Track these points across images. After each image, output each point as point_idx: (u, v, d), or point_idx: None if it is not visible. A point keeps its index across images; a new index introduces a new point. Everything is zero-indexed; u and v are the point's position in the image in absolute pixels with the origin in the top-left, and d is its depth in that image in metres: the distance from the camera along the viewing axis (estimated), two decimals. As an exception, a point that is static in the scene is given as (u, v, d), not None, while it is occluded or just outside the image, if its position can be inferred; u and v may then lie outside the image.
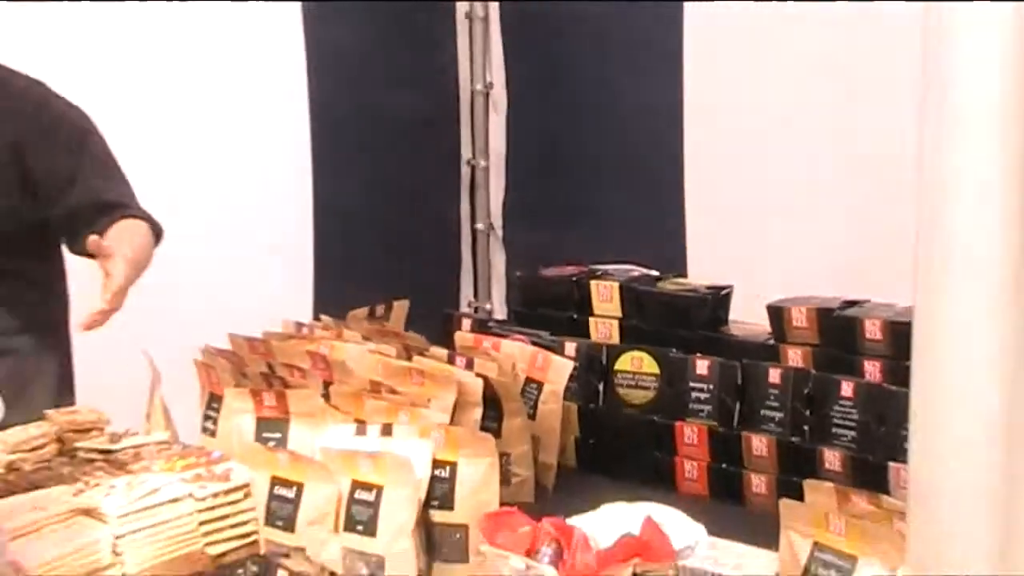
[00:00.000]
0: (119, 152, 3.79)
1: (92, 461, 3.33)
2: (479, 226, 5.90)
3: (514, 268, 5.70)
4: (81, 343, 3.94)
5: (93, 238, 3.28)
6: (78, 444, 3.41)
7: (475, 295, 5.95)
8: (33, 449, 3.35)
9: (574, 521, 2.52)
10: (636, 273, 3.87)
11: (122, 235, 3.50)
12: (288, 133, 5.39)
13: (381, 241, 5.54)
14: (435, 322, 4.17)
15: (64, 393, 3.79)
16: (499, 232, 5.91)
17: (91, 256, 3.42)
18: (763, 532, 2.81)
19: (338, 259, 5.47)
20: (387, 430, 3.02)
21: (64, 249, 3.84)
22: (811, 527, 2.48)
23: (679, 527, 2.51)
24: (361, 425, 3.08)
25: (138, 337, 3.59)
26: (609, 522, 2.54)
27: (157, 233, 3.67)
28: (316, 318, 4.18)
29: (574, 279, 3.86)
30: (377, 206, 5.56)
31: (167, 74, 5.00)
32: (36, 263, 3.76)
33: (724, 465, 3.42)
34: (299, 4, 5.31)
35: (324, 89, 5.41)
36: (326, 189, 5.46)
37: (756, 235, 4.97)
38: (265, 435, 3.27)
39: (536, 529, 2.43)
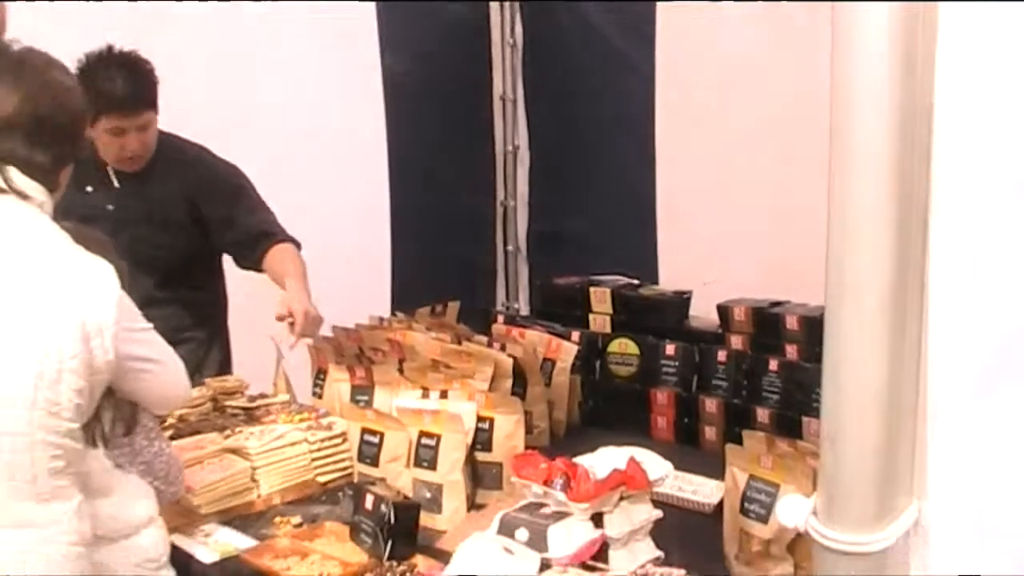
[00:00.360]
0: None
1: (236, 415, 3.39)
2: (510, 248, 5.89)
3: (535, 278, 5.73)
4: (234, 333, 3.97)
5: (280, 311, 3.36)
6: (226, 403, 3.45)
7: (507, 297, 5.94)
8: (196, 406, 3.39)
9: (579, 460, 2.52)
10: (623, 282, 3.89)
11: (284, 259, 3.61)
12: (371, 182, 5.37)
13: (440, 257, 5.53)
14: (477, 317, 4.17)
15: (225, 369, 3.81)
16: (524, 252, 5.90)
17: (257, 270, 3.64)
18: (713, 468, 2.88)
19: (409, 271, 5.46)
20: (444, 395, 3.04)
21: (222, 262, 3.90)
22: (748, 464, 2.48)
23: (654, 464, 2.52)
24: (425, 391, 3.10)
25: (267, 327, 3.61)
26: (604, 461, 2.54)
27: (297, 247, 3.71)
28: (393, 314, 4.18)
29: (578, 286, 3.88)
30: (436, 232, 5.55)
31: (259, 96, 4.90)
32: (206, 277, 3.83)
33: (686, 420, 3.45)
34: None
35: (401, 156, 5.41)
36: (400, 220, 5.46)
37: (710, 250, 4.96)
38: (357, 398, 3.29)
39: (551, 466, 2.44)
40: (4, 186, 2.15)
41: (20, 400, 2.05)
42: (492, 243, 5.92)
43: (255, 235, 3.67)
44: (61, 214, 3.32)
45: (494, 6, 5.65)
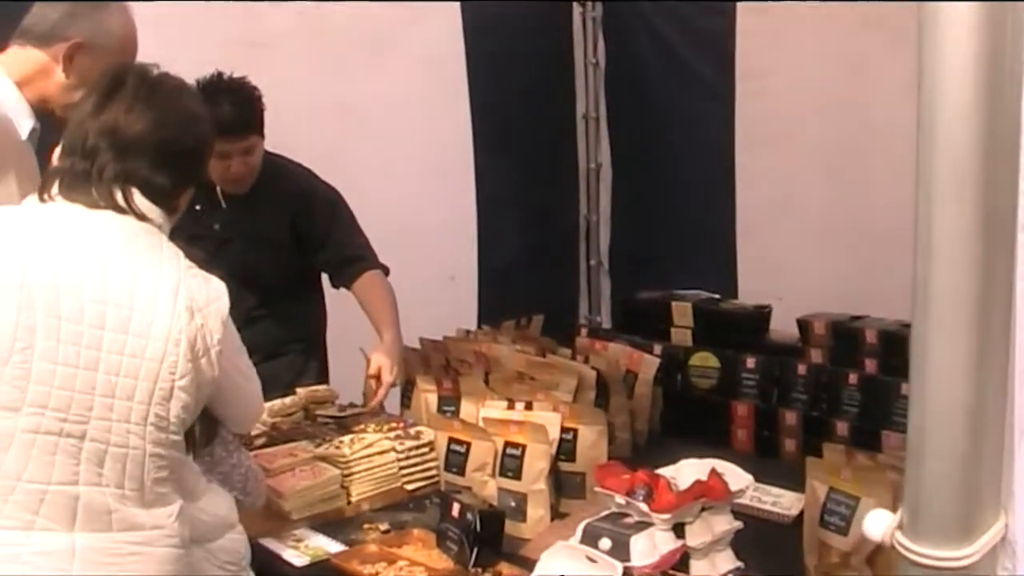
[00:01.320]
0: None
1: (326, 424, 3.40)
2: (592, 262, 5.88)
3: (616, 292, 5.74)
4: (331, 345, 3.99)
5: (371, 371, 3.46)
6: (317, 412, 3.47)
7: (589, 311, 5.92)
8: (288, 415, 3.43)
9: (660, 471, 2.48)
10: (704, 296, 3.83)
11: (374, 293, 3.63)
12: (460, 198, 5.40)
13: (524, 272, 5.52)
14: (560, 330, 4.13)
15: (322, 381, 3.80)
16: (606, 267, 5.89)
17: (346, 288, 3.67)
18: (792, 480, 2.84)
19: (496, 286, 5.47)
20: (529, 406, 3.01)
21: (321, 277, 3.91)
22: (828, 476, 2.43)
23: (735, 476, 2.46)
24: (511, 402, 3.06)
25: (360, 340, 3.62)
26: (685, 472, 2.49)
27: (385, 272, 3.72)
28: (479, 327, 4.17)
29: (660, 300, 3.83)
30: (521, 248, 5.55)
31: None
32: (305, 292, 3.84)
33: (765, 432, 3.37)
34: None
35: (488, 173, 5.44)
36: (487, 236, 5.48)
37: (787, 266, 4.92)
38: (443, 408, 3.27)
39: (634, 476, 2.40)
40: (124, 205, 2.16)
41: (135, 415, 2.08)
42: (575, 258, 5.91)
43: (347, 257, 3.69)
44: (172, 231, 3.39)
45: (577, 27, 5.65)
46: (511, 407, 3.03)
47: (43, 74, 2.69)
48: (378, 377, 3.42)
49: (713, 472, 2.40)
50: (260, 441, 3.25)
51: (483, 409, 3.03)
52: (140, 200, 2.18)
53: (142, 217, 2.18)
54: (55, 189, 2.18)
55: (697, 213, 5.35)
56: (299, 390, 3.53)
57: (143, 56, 4.11)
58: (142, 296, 2.10)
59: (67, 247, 2.10)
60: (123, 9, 2.78)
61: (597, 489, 2.44)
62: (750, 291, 4.80)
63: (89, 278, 2.08)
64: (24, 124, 2.68)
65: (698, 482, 2.36)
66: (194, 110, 2.33)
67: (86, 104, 2.24)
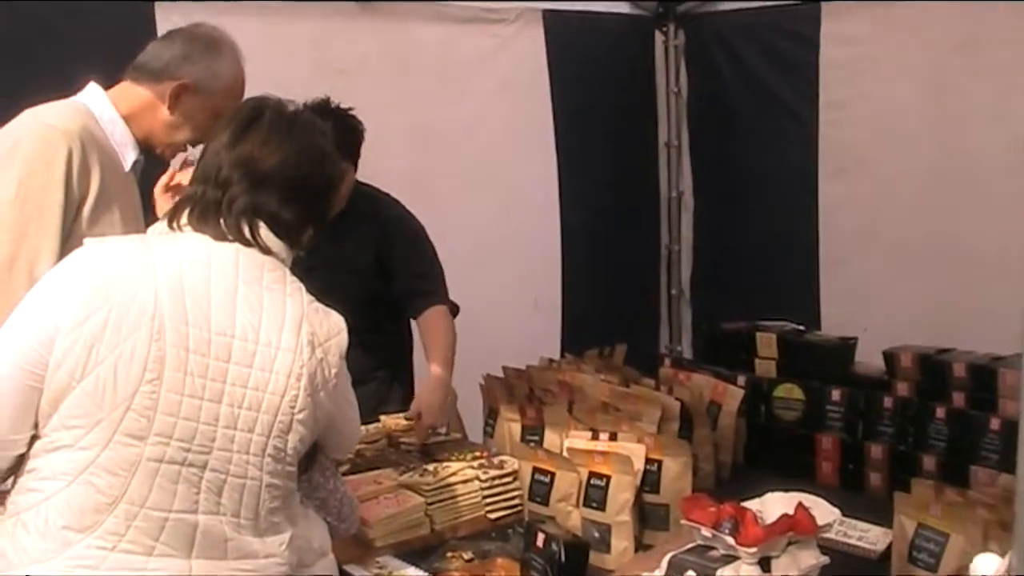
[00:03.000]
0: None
1: (410, 451, 3.42)
2: (673, 292, 5.88)
3: (698, 322, 5.75)
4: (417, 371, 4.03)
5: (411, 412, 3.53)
6: (401, 440, 3.50)
7: (670, 340, 5.93)
8: (372, 442, 3.46)
9: (746, 504, 2.49)
10: (789, 327, 3.81)
11: (435, 330, 3.66)
12: (544, 224, 5.47)
13: (607, 301, 5.56)
14: (643, 360, 4.14)
15: (406, 407, 3.82)
16: (687, 296, 5.89)
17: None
18: (878, 514, 2.83)
19: (579, 315, 5.53)
20: (613, 437, 3.02)
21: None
22: (917, 512, 2.43)
23: (822, 510, 2.45)
24: (595, 433, 3.08)
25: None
26: (771, 505, 2.49)
27: (454, 311, 3.74)
28: (562, 355, 4.20)
29: (744, 331, 3.81)
30: (603, 277, 5.59)
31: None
32: (390, 319, 3.84)
33: (850, 465, 3.35)
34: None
35: (571, 201, 5.51)
36: (571, 264, 5.54)
37: (872, 296, 4.90)
38: (527, 438, 3.30)
39: (720, 509, 2.40)
40: (250, 238, 2.22)
41: (255, 446, 2.13)
42: (657, 287, 5.92)
43: (417, 290, 3.72)
44: None
45: (659, 55, 5.68)
46: (595, 437, 3.04)
47: (150, 110, 2.77)
48: (420, 417, 3.46)
49: (800, 506, 2.40)
50: (344, 468, 3.28)
51: (568, 439, 3.05)
52: (266, 234, 2.23)
53: (267, 251, 2.23)
54: (184, 218, 2.23)
55: (780, 242, 5.35)
56: (383, 418, 3.57)
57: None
58: (267, 330, 2.15)
59: (196, 279, 2.14)
60: (235, 54, 2.84)
61: (683, 521, 2.45)
62: (834, 321, 4.79)
63: (216, 311, 2.12)
64: (128, 156, 2.76)
65: (785, 516, 2.36)
66: (325, 147, 2.37)
67: (223, 135, 2.29)
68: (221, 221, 2.21)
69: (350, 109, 3.65)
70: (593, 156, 5.49)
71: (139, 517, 2.07)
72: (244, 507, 2.15)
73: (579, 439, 3.04)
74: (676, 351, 5.83)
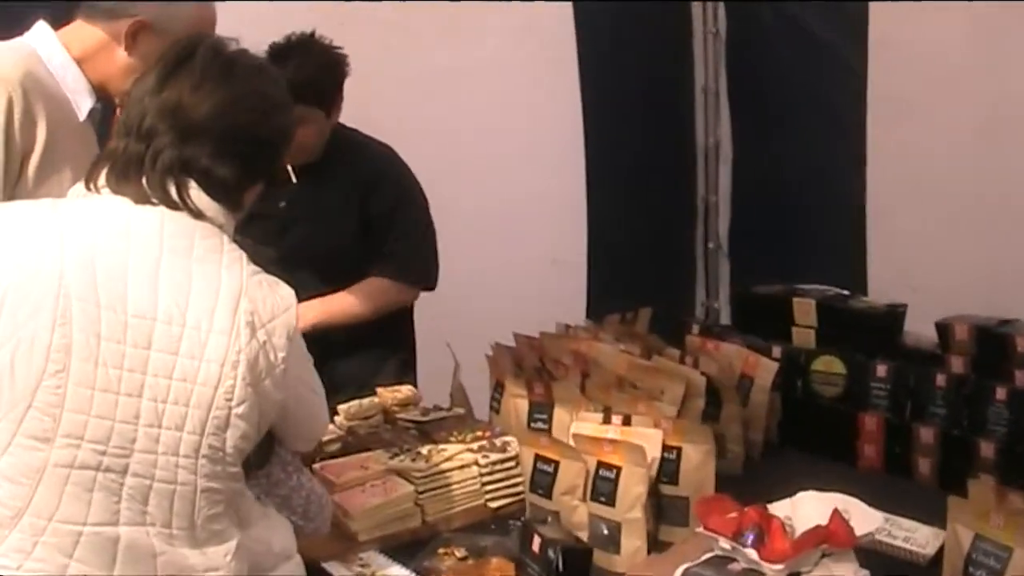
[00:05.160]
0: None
1: (407, 429, 3.12)
2: (710, 245, 5.54)
3: (736, 278, 5.41)
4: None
5: None
6: (399, 416, 3.20)
7: (706, 296, 5.60)
8: (366, 418, 3.17)
9: (774, 508, 2.15)
10: (830, 292, 3.45)
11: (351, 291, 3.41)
12: (568, 172, 5.10)
13: (638, 257, 5.21)
14: (673, 321, 3.80)
15: (406, 376, 3.53)
16: (725, 250, 5.55)
17: None
18: (926, 506, 2.50)
19: (606, 269, 5.19)
20: (627, 420, 2.68)
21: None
22: (974, 520, 2.09)
23: (862, 516, 2.12)
24: (608, 412, 2.74)
25: (448, 334, 3.35)
26: (803, 510, 2.16)
27: (419, 285, 3.55)
28: (587, 316, 3.86)
29: (780, 296, 3.45)
30: (635, 230, 5.24)
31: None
32: None
33: (896, 449, 2.99)
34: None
35: (598, 150, 5.13)
36: (597, 217, 5.18)
37: (924, 255, 4.52)
38: (535, 415, 2.97)
39: (742, 515, 2.08)
40: (177, 199, 1.89)
41: (185, 446, 1.84)
42: (691, 240, 5.57)
43: (382, 253, 3.46)
44: None
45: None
46: (607, 420, 2.70)
47: (105, 52, 2.46)
48: None
49: (836, 514, 2.06)
50: (334, 448, 2.99)
51: (575, 423, 2.71)
52: (197, 194, 1.91)
53: (198, 215, 1.90)
54: (103, 178, 1.92)
55: (824, 193, 4.97)
56: (379, 390, 3.26)
57: (250, 18, 3.96)
58: (196, 310, 1.83)
59: (110, 252, 1.83)
60: None
61: (699, 530, 2.13)
62: (881, 279, 4.49)
63: (134, 289, 1.82)
64: (83, 103, 2.47)
65: (818, 527, 2.02)
66: (273, 95, 2.05)
67: (148, 78, 1.98)
68: (144, 180, 1.88)
69: (335, 46, 3.35)
70: (622, 101, 5.10)
71: (48, 532, 1.78)
72: (176, 515, 1.85)
73: (588, 423, 2.70)
74: (712, 308, 5.49)
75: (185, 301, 1.83)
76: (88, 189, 1.92)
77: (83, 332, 1.77)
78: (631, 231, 5.22)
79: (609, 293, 4.97)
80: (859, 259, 4.74)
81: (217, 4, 3.48)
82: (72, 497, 1.78)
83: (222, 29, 3.75)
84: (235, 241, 2.06)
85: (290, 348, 1.92)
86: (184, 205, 1.89)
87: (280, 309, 1.91)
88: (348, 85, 3.47)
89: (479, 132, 4.75)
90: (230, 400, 1.84)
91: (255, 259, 2.13)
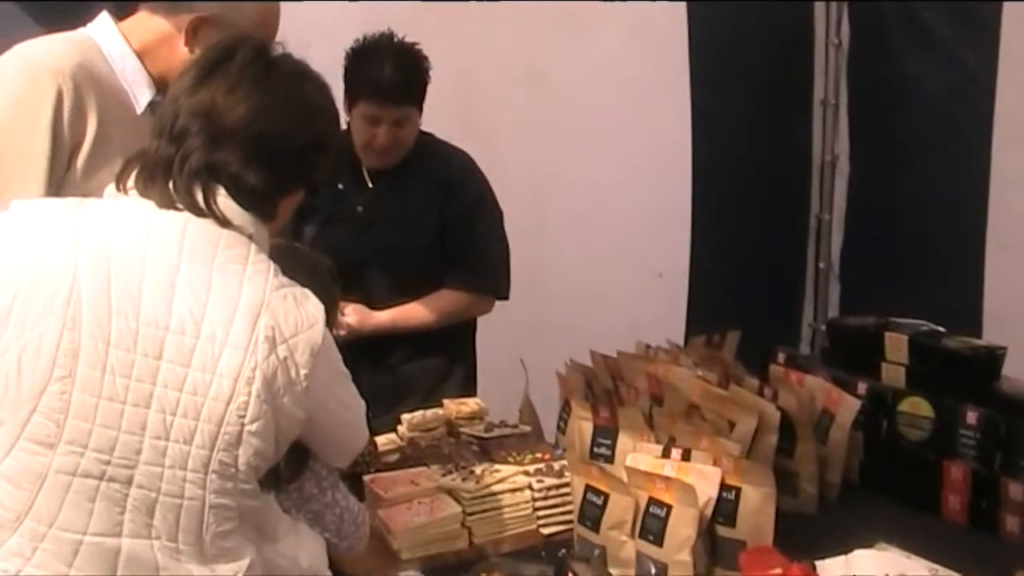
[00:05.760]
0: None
1: (469, 444, 3.05)
2: (821, 265, 5.32)
3: (845, 300, 5.19)
4: (482, 352, 3.63)
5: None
6: (462, 429, 3.12)
7: (814, 318, 5.36)
8: (429, 430, 3.11)
9: (824, 566, 2.00)
10: (925, 328, 3.24)
11: (421, 302, 3.42)
12: (674, 183, 4.94)
13: (745, 274, 5.04)
14: (777, 337, 3.69)
15: (468, 388, 3.49)
16: (836, 271, 5.33)
17: None
18: (1012, 566, 2.31)
19: (709, 289, 5.02)
20: (687, 455, 2.54)
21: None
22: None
23: (920, 583, 1.96)
24: (669, 446, 2.61)
25: (515, 349, 3.27)
26: (859, 567, 2.02)
27: (492, 294, 3.53)
28: (687, 334, 3.74)
29: (872, 329, 3.26)
30: (742, 246, 5.06)
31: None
32: None
33: (983, 503, 2.78)
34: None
35: (707, 161, 4.95)
36: (703, 229, 5.01)
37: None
38: (599, 440, 2.83)
39: (787, 572, 1.93)
40: (203, 206, 1.83)
41: (194, 461, 1.78)
42: (802, 259, 5.36)
43: (452, 262, 3.43)
44: (310, 210, 3.13)
45: (819, 2, 5.07)
46: (667, 454, 2.57)
47: (167, 45, 2.43)
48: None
49: (888, 580, 1.91)
50: (392, 458, 2.96)
51: (631, 455, 2.59)
52: (224, 201, 1.84)
53: (225, 222, 1.84)
54: (132, 180, 1.87)
55: (943, 218, 4.70)
56: (446, 402, 3.19)
57: (338, 8, 3.93)
58: (211, 322, 1.77)
59: (127, 257, 1.78)
60: None
61: (738, 586, 1.99)
62: (997, 315, 4.23)
63: (148, 297, 1.76)
64: (142, 96, 2.43)
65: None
66: (314, 100, 1.97)
67: (186, 77, 1.92)
68: (170, 183, 1.82)
69: (413, 44, 3.29)
70: (735, 113, 4.93)
71: (47, 538, 1.74)
72: (182, 530, 1.79)
73: (645, 455, 2.57)
74: (820, 331, 5.27)
75: (201, 311, 1.77)
76: (118, 190, 1.87)
77: (92, 337, 1.73)
78: (738, 246, 5.05)
79: (711, 310, 4.83)
80: (975, 291, 4.49)
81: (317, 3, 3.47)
82: (73, 505, 1.74)
83: (328, 26, 3.80)
84: (290, 247, 2.00)
85: (314, 365, 1.84)
86: (210, 212, 1.83)
87: (305, 324, 1.84)
88: (452, 86, 3.43)
89: (584, 138, 4.67)
90: (243, 417, 1.78)
91: (310, 264, 2.07)
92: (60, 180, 2.25)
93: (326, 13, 3.93)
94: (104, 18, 2.44)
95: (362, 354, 3.28)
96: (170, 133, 1.86)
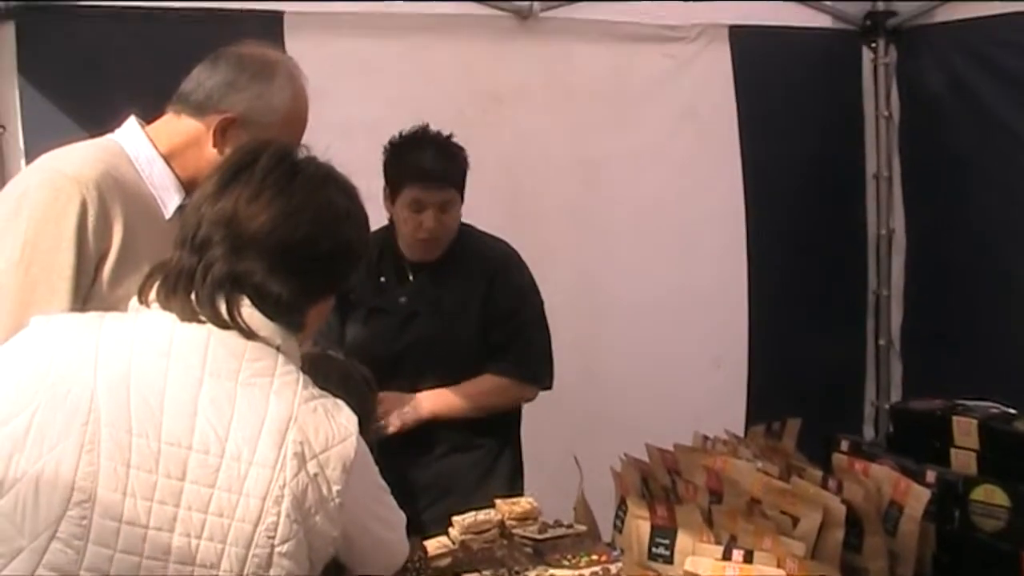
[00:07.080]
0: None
1: (523, 546, 2.93)
2: (881, 343, 5.25)
3: (908, 378, 5.13)
4: (536, 446, 3.56)
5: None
6: (515, 530, 3.02)
7: (876, 397, 5.28)
8: (481, 532, 2.99)
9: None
10: (995, 411, 3.12)
11: (465, 386, 3.39)
12: (728, 266, 4.93)
13: (802, 356, 4.97)
14: (839, 422, 3.60)
15: (516, 481, 3.45)
16: (897, 349, 5.25)
17: None
18: None
19: (768, 373, 4.97)
20: (748, 557, 2.44)
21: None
22: None
23: None
24: (730, 545, 2.51)
25: (602, 434, 3.22)
26: None
27: (536, 384, 3.48)
28: (747, 421, 3.66)
29: (938, 413, 3.15)
30: (800, 325, 5.01)
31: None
32: None
33: (1066, 597, 2.66)
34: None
35: (761, 242, 4.95)
36: (759, 311, 4.98)
37: None
38: (657, 540, 2.73)
39: None
40: (226, 317, 1.78)
41: None
42: (862, 337, 5.29)
43: (499, 347, 3.40)
44: (352, 305, 3.12)
45: (867, 75, 5.05)
46: (727, 555, 2.47)
47: (195, 147, 2.42)
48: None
49: None
50: (443, 563, 2.85)
51: (690, 558, 2.49)
52: (249, 312, 1.80)
53: (250, 334, 1.79)
54: (154, 292, 1.83)
55: (1007, 290, 4.64)
56: (498, 502, 3.10)
57: (381, 102, 3.97)
58: (236, 440, 1.72)
59: (148, 373, 1.74)
60: (291, 79, 2.47)
61: None
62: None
63: (170, 415, 1.72)
64: (170, 200, 2.40)
65: None
66: (338, 204, 1.92)
67: (208, 184, 1.90)
68: (193, 295, 1.77)
69: (448, 135, 3.31)
70: (788, 191, 4.93)
71: None
72: None
73: (706, 557, 2.47)
74: (884, 412, 5.16)
75: (226, 429, 1.72)
76: (140, 302, 1.84)
77: (111, 460, 1.68)
78: (796, 326, 5.00)
79: (770, 394, 4.78)
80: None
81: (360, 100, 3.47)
82: None
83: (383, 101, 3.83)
84: (323, 355, 1.94)
85: (348, 480, 1.79)
86: (234, 323, 1.78)
87: (337, 438, 1.78)
88: (503, 174, 3.43)
89: (637, 222, 4.65)
90: (272, 538, 1.71)
91: (343, 373, 2.01)
92: (87, 291, 2.22)
93: (367, 109, 3.94)
94: (131, 123, 2.43)
95: (406, 446, 3.27)
96: (192, 242, 1.82)
